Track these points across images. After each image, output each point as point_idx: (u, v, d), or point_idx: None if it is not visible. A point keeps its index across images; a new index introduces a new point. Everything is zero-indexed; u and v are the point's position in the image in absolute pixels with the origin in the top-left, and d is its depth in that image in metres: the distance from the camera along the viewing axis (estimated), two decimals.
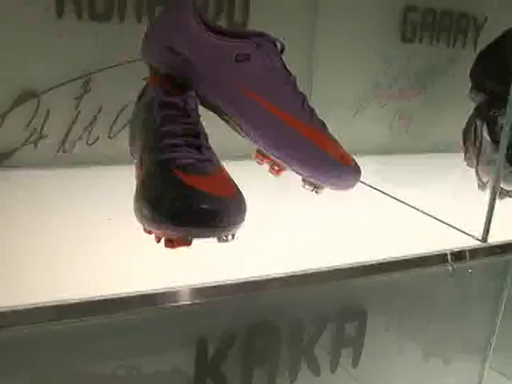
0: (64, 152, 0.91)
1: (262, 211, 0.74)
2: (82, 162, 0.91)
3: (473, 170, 1.01)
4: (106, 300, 0.53)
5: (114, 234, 0.67)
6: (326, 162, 0.78)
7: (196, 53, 0.77)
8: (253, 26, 0.97)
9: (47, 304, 0.52)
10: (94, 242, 0.65)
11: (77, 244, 0.65)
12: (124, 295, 0.54)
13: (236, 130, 0.81)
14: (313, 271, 0.63)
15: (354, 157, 0.80)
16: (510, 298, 0.80)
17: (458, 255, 0.72)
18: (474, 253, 0.73)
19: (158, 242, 0.61)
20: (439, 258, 0.70)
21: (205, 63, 0.77)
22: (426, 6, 1.16)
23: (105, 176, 0.88)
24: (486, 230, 0.75)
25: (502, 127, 0.80)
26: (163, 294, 0.56)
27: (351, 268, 0.65)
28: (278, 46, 0.80)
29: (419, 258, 0.69)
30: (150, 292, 0.55)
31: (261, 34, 0.79)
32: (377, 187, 0.95)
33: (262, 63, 0.78)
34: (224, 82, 0.78)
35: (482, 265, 0.75)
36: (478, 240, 0.76)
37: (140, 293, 0.55)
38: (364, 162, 0.80)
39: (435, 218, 0.83)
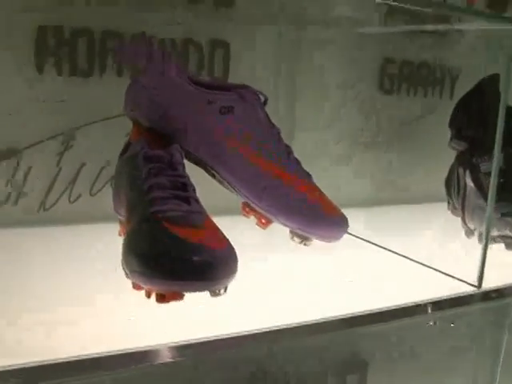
0: (45, 210, 0.89)
1: (251, 265, 0.72)
2: (64, 220, 0.89)
3: (457, 219, 1.01)
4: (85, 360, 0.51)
5: (97, 293, 0.65)
6: (313, 213, 0.77)
7: (180, 106, 0.77)
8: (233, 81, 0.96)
9: (26, 366, 0.50)
10: (79, 303, 0.63)
11: (60, 305, 0.62)
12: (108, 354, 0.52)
13: (222, 184, 0.80)
14: (307, 323, 0.62)
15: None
16: (510, 344, 0.79)
17: (454, 302, 0.71)
18: (470, 299, 0.72)
19: (149, 297, 0.59)
20: (435, 306, 0.69)
21: (189, 117, 0.77)
22: (403, 58, 1.18)
23: (87, 234, 0.85)
24: (480, 276, 0.74)
25: (487, 173, 0.80)
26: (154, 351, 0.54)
27: (349, 318, 0.64)
28: (261, 97, 0.80)
29: (415, 305, 0.68)
30: (137, 350, 0.53)
31: (244, 86, 0.80)
32: (365, 238, 0.94)
33: (246, 115, 0.78)
34: (208, 134, 0.77)
35: (478, 311, 0.74)
36: (473, 286, 0.75)
37: (126, 351, 0.53)
38: (349, 214, 0.79)
39: (429, 267, 0.82)
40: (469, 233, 0.95)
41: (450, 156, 1.08)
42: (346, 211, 0.80)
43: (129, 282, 0.61)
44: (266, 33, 1.02)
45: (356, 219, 0.83)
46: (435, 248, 0.92)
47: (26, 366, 0.50)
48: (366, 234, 0.95)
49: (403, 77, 1.20)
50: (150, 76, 0.78)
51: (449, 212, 1.07)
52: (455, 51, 1.22)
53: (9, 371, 0.49)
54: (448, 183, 1.09)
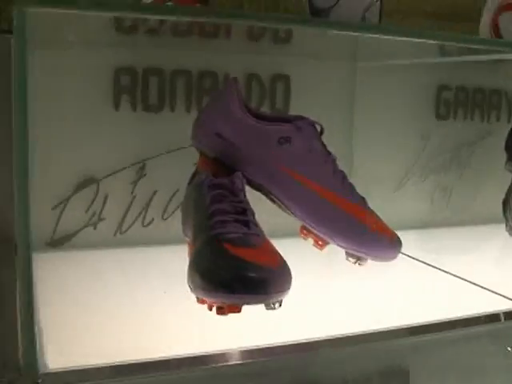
0: (121, 233, 0.97)
1: (309, 282, 0.78)
2: (138, 243, 0.96)
3: None
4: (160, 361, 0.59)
5: (168, 307, 0.72)
6: (366, 234, 0.82)
7: (241, 138, 0.83)
8: (294, 111, 1.02)
9: (108, 365, 0.58)
10: (151, 314, 0.70)
11: (135, 316, 0.70)
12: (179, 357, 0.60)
13: (281, 208, 0.85)
14: (360, 333, 0.67)
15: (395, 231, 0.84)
16: None
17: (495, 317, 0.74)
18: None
19: (211, 309, 0.65)
20: (476, 320, 0.73)
21: (250, 147, 0.82)
22: (458, 84, 1.22)
23: (159, 255, 0.93)
24: None
25: None
26: (217, 355, 0.61)
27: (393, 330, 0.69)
28: (318, 128, 0.85)
29: (462, 319, 0.72)
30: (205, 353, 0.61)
31: (301, 118, 0.85)
32: (419, 259, 0.98)
33: (303, 145, 0.83)
34: (267, 163, 0.82)
35: None
36: None
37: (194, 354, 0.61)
38: (406, 236, 0.84)
39: (480, 286, 0.85)
40: None
41: (507, 178, 1.11)
42: (402, 233, 0.84)
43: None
44: (325, 66, 1.07)
45: (412, 241, 0.87)
46: (490, 268, 0.95)
47: (112, 364, 0.58)
48: (421, 254, 0.98)
49: (459, 102, 1.23)
50: (215, 111, 0.85)
51: (506, 233, 1.10)
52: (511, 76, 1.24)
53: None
54: (505, 205, 1.11)
